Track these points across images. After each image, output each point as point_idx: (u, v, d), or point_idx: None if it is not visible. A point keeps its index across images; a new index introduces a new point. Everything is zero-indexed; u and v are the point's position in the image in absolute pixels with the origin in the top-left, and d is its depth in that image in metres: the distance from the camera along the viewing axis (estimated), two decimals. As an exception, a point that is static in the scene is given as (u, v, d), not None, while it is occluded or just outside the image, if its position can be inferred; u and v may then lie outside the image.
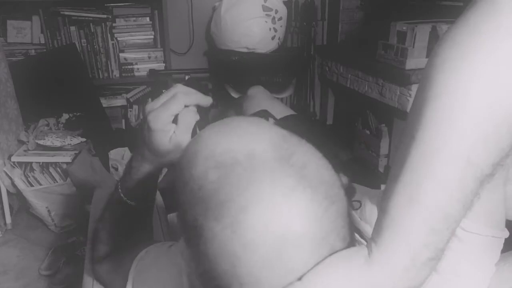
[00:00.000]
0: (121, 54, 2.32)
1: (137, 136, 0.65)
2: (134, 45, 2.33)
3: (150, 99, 2.46)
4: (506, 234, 0.59)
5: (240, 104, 1.00)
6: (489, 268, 0.58)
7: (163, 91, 0.62)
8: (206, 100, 0.61)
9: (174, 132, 0.60)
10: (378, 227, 0.41)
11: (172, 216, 1.10)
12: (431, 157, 0.38)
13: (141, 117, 2.47)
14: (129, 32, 2.31)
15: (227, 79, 2.23)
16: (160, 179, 1.43)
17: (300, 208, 0.37)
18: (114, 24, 2.28)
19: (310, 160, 0.40)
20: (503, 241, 0.59)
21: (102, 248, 0.72)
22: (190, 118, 0.60)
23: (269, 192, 0.37)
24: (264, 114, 0.59)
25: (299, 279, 0.37)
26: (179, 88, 0.60)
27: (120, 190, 0.68)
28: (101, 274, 0.74)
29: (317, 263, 0.37)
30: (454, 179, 0.38)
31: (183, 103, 0.59)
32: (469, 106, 0.38)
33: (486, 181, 0.40)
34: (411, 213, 0.39)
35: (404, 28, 1.81)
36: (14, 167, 1.83)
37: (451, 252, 0.49)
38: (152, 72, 2.31)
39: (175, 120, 0.60)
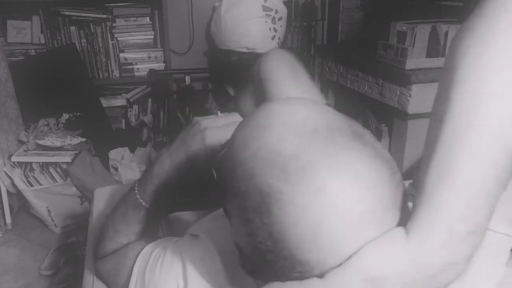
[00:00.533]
0: (121, 54, 2.32)
1: (171, 143, 0.67)
2: (134, 45, 2.33)
3: (150, 99, 2.46)
4: None
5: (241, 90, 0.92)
6: (500, 266, 0.58)
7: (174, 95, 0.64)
8: None
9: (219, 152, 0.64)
10: (415, 205, 0.41)
11: (172, 216, 1.10)
12: (463, 133, 0.39)
13: (141, 117, 2.46)
14: (129, 32, 2.31)
15: (227, 79, 2.23)
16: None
17: (382, 177, 0.40)
18: (114, 24, 2.28)
19: (376, 140, 0.43)
20: None
21: (108, 245, 0.73)
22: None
23: (357, 158, 0.39)
24: None
25: (346, 261, 0.38)
26: (240, 117, 0.65)
27: (137, 192, 0.68)
28: (103, 271, 0.74)
29: (360, 251, 0.38)
30: (488, 155, 0.39)
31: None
32: (496, 85, 0.39)
33: None
34: (446, 187, 0.39)
35: (404, 28, 1.81)
36: (14, 167, 1.83)
37: None
38: (152, 72, 2.31)
39: None
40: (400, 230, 0.40)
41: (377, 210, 0.39)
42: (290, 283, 0.41)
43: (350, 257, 0.38)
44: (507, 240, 0.58)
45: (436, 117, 0.42)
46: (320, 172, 0.38)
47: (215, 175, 0.60)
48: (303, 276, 0.40)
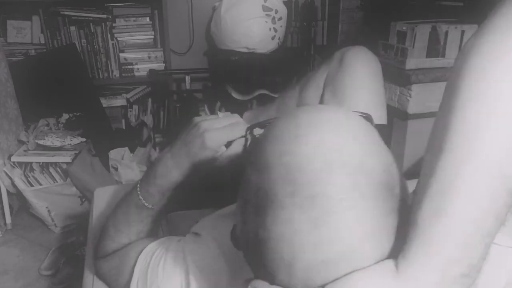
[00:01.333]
0: (121, 54, 2.32)
1: (172, 143, 0.67)
2: (134, 45, 2.33)
3: (150, 99, 2.46)
4: None
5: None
6: (505, 280, 0.58)
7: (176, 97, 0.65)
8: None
9: (220, 153, 0.64)
10: (407, 239, 0.39)
11: (172, 215, 1.10)
12: (460, 166, 0.36)
13: (141, 117, 2.46)
14: (129, 32, 2.31)
15: (227, 79, 2.23)
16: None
17: (382, 234, 0.38)
18: (114, 24, 2.28)
19: (405, 192, 0.41)
20: None
21: (109, 245, 0.72)
22: (239, 147, 0.64)
23: (366, 208, 0.37)
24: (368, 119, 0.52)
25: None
26: (240, 119, 0.65)
27: (139, 192, 0.68)
28: (104, 271, 0.74)
29: (346, 276, 0.37)
30: (485, 190, 0.36)
31: (242, 133, 0.64)
32: (500, 112, 0.35)
33: None
34: (440, 226, 0.37)
35: (404, 28, 1.81)
36: (14, 167, 1.83)
37: None
38: (152, 72, 2.31)
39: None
40: (390, 263, 0.38)
41: (362, 256, 0.38)
42: None
43: (335, 283, 0.37)
44: (510, 252, 0.57)
45: (434, 145, 0.39)
46: (324, 208, 0.37)
47: (248, 142, 0.62)
48: (272, 281, 0.40)
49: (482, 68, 0.36)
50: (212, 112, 2.17)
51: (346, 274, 0.37)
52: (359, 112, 0.49)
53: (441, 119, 0.39)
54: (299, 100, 0.96)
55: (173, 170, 0.65)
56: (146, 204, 0.68)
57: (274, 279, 0.40)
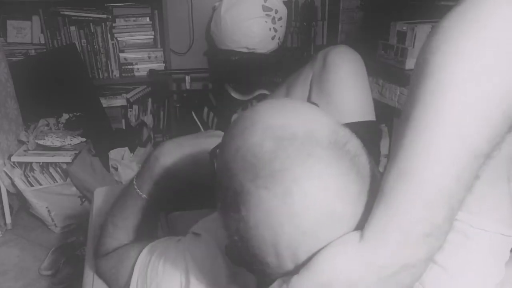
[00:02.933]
0: (121, 54, 2.32)
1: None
2: (134, 45, 2.33)
3: (150, 99, 2.46)
4: None
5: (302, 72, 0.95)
6: (498, 267, 0.58)
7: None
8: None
9: None
10: (373, 207, 0.40)
11: (172, 216, 1.10)
12: (423, 132, 0.38)
13: (141, 117, 2.47)
14: (129, 32, 2.31)
15: (227, 79, 2.23)
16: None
17: (349, 192, 0.40)
18: (114, 24, 2.28)
19: (362, 152, 0.43)
20: (511, 240, 0.58)
21: (108, 242, 0.73)
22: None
23: (325, 170, 0.39)
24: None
25: (306, 266, 0.39)
26: (218, 134, 0.70)
27: (135, 183, 0.70)
28: (104, 269, 0.74)
29: (320, 250, 0.39)
30: (447, 153, 0.37)
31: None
32: (456, 83, 0.37)
33: (484, 161, 0.39)
34: (401, 187, 0.38)
35: (404, 28, 1.81)
36: (14, 167, 1.83)
37: (458, 249, 0.49)
38: (152, 72, 2.31)
39: None
40: (354, 234, 0.39)
41: (337, 221, 0.39)
42: None
43: (306, 261, 0.39)
44: (504, 240, 0.57)
45: (403, 118, 0.41)
46: (286, 182, 0.39)
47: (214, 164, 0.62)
48: (265, 274, 0.42)
49: (443, 47, 0.39)
50: (200, 118, 2.17)
51: (324, 247, 0.39)
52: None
53: (409, 94, 0.41)
54: None
55: (160, 156, 0.68)
56: (140, 193, 0.69)
57: (267, 269, 0.41)
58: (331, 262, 0.38)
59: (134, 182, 0.70)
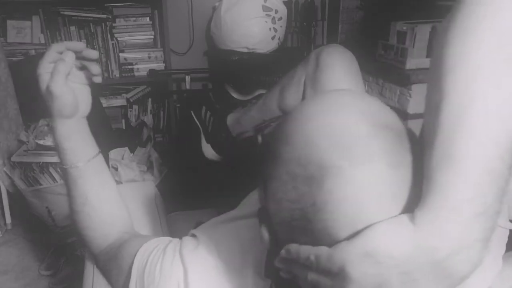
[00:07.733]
0: (121, 54, 2.32)
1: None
2: (134, 45, 2.33)
3: (150, 99, 2.46)
4: (511, 225, 0.58)
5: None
6: (496, 259, 0.58)
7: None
8: (88, 52, 0.75)
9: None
10: (422, 193, 0.41)
11: (172, 216, 1.10)
12: (461, 117, 0.39)
13: (141, 117, 2.47)
14: (129, 32, 2.31)
15: (227, 79, 2.23)
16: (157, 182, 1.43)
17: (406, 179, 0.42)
18: (114, 24, 2.27)
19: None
20: (507, 233, 0.58)
21: (88, 234, 0.77)
22: (63, 66, 0.74)
23: (405, 159, 0.43)
24: None
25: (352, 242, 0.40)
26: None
27: (60, 160, 0.74)
28: (100, 265, 0.76)
29: (369, 227, 0.39)
30: (488, 133, 0.38)
31: (55, 50, 0.74)
32: (488, 67, 0.39)
33: None
34: (449, 170, 0.39)
35: (404, 28, 1.81)
36: (14, 167, 1.82)
37: None
38: (152, 72, 2.31)
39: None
40: (406, 216, 0.40)
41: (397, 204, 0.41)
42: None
43: (352, 240, 0.40)
44: (502, 232, 0.57)
45: (431, 107, 0.43)
46: (381, 164, 0.41)
47: (259, 138, 0.62)
48: (313, 241, 0.42)
49: (461, 40, 0.41)
50: (199, 117, 2.17)
51: (373, 225, 0.40)
52: None
53: (434, 81, 0.43)
54: (280, 100, 0.98)
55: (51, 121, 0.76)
56: (64, 166, 0.74)
57: (328, 243, 0.41)
58: (383, 236, 0.39)
59: (60, 160, 0.75)
